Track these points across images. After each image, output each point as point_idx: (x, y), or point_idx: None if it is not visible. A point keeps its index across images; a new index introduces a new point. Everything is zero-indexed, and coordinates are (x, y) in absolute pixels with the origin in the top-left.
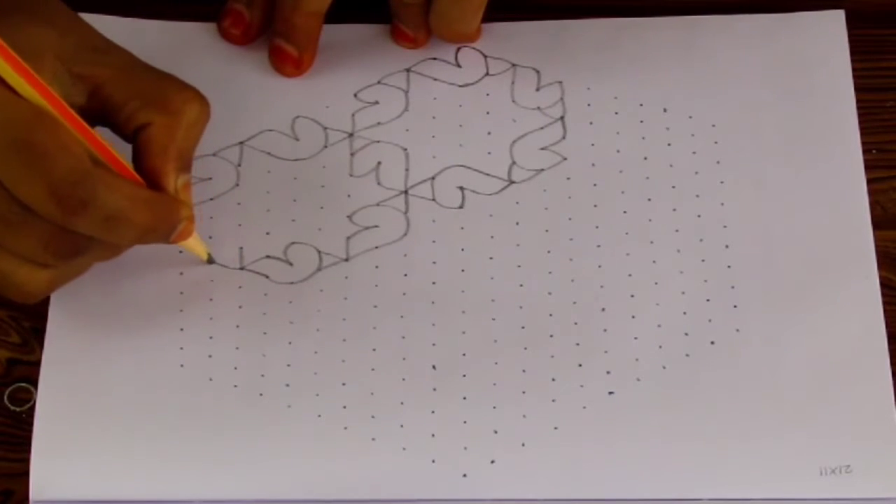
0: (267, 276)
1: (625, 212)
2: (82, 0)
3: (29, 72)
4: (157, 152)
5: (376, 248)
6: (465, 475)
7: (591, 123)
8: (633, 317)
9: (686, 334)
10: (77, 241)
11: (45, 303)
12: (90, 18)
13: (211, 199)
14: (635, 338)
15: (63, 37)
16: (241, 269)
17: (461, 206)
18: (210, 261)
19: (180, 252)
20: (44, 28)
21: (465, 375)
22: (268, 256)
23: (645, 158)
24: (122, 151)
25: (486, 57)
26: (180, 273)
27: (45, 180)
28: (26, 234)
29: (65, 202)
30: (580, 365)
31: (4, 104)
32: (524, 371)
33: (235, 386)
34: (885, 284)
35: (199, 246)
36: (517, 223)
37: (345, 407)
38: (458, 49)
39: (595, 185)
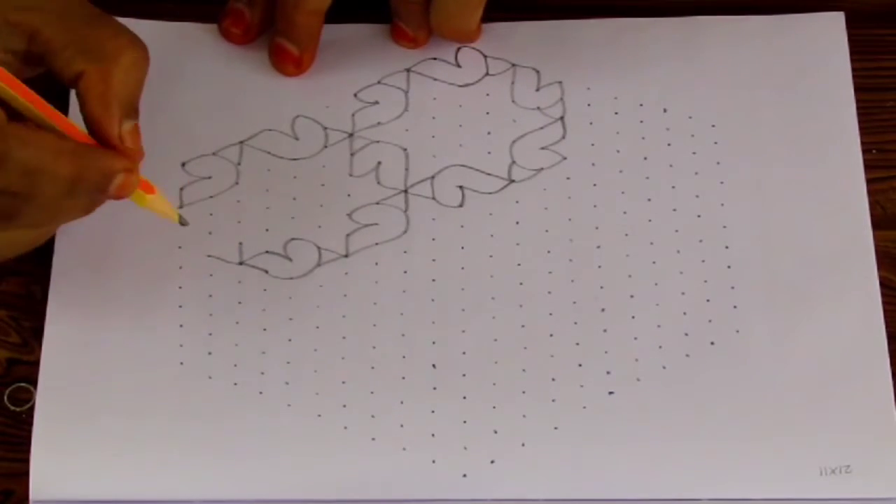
0: (266, 271)
1: (625, 212)
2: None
3: None
4: (93, 100)
5: (376, 244)
6: (465, 475)
7: (591, 123)
8: (633, 317)
9: (686, 335)
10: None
11: (44, 302)
12: None
13: (210, 197)
14: (635, 338)
15: None
16: (241, 263)
17: (461, 205)
18: (182, 223)
19: (179, 248)
20: None
21: (464, 375)
22: (267, 251)
23: (645, 158)
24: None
25: (486, 57)
26: (179, 267)
27: None
28: None
29: None
30: (580, 365)
31: None
32: (524, 371)
33: (235, 384)
34: (885, 284)
35: (167, 207)
36: (517, 222)
37: (344, 406)
38: (458, 49)
39: (595, 185)
